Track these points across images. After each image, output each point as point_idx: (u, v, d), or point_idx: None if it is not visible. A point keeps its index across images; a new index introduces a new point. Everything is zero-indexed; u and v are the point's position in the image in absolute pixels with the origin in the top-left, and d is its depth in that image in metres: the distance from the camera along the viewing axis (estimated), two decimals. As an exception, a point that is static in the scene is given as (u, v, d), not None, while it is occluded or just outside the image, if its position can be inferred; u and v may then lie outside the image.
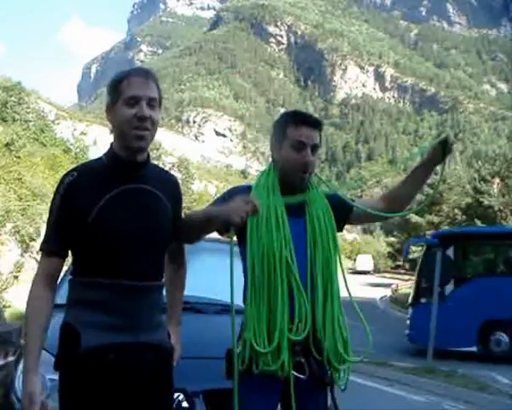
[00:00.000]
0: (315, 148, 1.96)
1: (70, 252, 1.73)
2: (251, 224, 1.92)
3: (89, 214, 1.65)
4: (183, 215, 1.92)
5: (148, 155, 1.80)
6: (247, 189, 2.04)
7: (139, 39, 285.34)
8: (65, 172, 1.77)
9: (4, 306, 12.04)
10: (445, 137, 1.97)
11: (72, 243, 1.69)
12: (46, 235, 1.72)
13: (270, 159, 2.11)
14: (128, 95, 1.68)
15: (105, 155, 1.78)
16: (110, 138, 1.79)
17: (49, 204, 1.73)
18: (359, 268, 51.58)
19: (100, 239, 1.66)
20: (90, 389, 1.61)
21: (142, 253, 1.71)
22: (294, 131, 1.95)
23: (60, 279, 1.79)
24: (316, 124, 1.98)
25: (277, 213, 1.93)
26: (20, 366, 2.46)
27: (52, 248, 1.69)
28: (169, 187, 1.83)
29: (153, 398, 1.72)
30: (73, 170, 1.73)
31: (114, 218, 1.67)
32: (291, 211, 1.96)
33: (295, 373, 1.86)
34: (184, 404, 2.22)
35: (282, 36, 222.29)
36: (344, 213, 2.08)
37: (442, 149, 1.97)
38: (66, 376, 1.66)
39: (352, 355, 1.96)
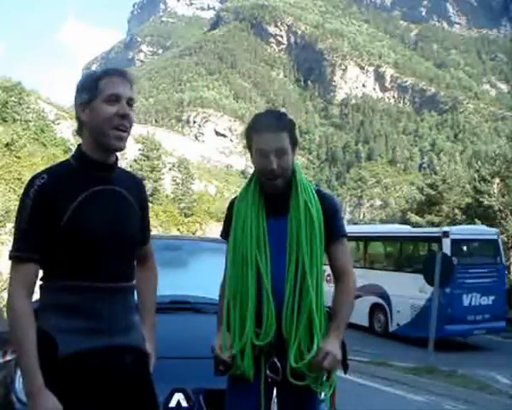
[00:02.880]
0: (280, 151, 1.89)
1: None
2: (233, 228, 1.94)
3: (62, 216, 1.62)
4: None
5: (117, 157, 1.78)
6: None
7: (139, 39, 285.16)
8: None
9: (4, 306, 12.04)
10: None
11: (45, 246, 1.63)
12: (17, 241, 1.63)
13: None
14: (109, 92, 1.65)
15: (73, 157, 1.74)
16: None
17: (18, 208, 1.66)
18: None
19: (74, 241, 1.62)
20: (69, 395, 1.58)
21: (115, 254, 1.68)
22: (256, 138, 1.92)
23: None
24: (276, 127, 1.91)
25: (253, 216, 1.92)
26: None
27: (28, 254, 1.61)
28: (136, 190, 1.82)
29: (134, 401, 1.70)
30: (43, 173, 1.69)
31: (88, 219, 1.64)
32: (273, 211, 1.95)
33: (270, 374, 1.86)
34: (184, 404, 2.22)
35: (282, 36, 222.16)
36: (327, 232, 1.98)
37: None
38: (46, 384, 1.60)
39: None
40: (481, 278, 11.92)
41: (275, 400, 1.98)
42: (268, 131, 1.89)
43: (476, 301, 11.74)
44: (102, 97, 1.65)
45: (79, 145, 1.75)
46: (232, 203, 2.07)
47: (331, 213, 1.98)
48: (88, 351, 1.62)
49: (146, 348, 1.81)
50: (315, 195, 1.98)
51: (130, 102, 1.69)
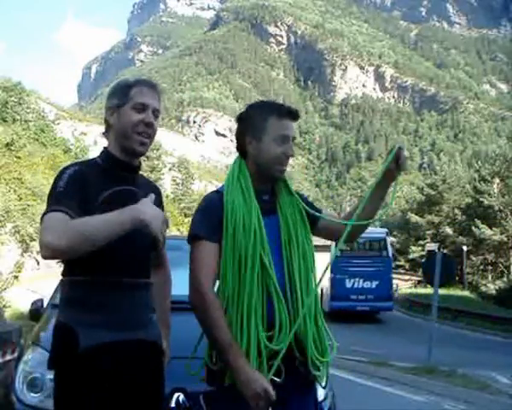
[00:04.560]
0: (293, 139, 1.92)
1: None
2: (226, 228, 1.82)
3: (88, 208, 1.65)
4: None
5: (140, 162, 1.87)
6: (220, 195, 1.89)
7: (139, 39, 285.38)
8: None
9: (4, 306, 12.03)
10: (398, 149, 1.90)
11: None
12: (51, 205, 1.62)
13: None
14: (138, 101, 1.77)
15: (99, 157, 1.83)
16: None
17: (50, 188, 1.69)
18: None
19: None
20: (90, 387, 1.62)
21: (136, 251, 1.75)
22: (278, 123, 1.86)
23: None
24: (297, 116, 1.94)
25: (253, 216, 1.83)
26: (21, 366, 2.46)
27: (62, 208, 1.60)
28: (154, 195, 1.84)
29: (149, 394, 1.76)
30: (73, 164, 1.77)
31: None
32: (264, 210, 1.87)
33: (272, 377, 1.76)
34: (184, 404, 2.22)
35: (282, 36, 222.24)
36: (309, 220, 1.99)
37: (396, 165, 1.89)
38: (65, 375, 1.66)
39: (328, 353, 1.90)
40: (365, 267, 15.46)
41: None
42: (290, 118, 1.90)
43: (359, 285, 15.26)
44: (131, 104, 1.77)
45: (105, 147, 1.84)
46: (216, 200, 1.88)
47: (305, 201, 2.02)
48: (108, 344, 1.66)
49: (163, 344, 1.88)
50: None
51: (155, 112, 1.81)
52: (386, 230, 17.58)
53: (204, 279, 1.76)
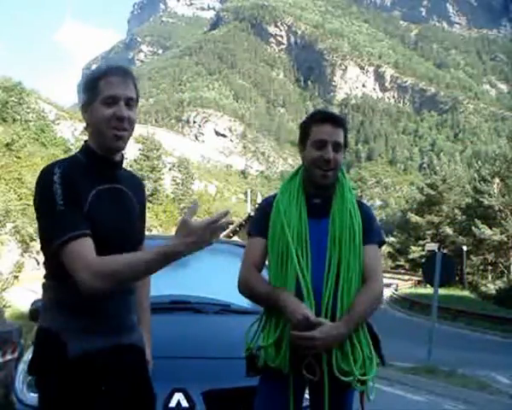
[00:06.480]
0: (337, 146, 1.95)
1: (46, 253, 1.61)
2: (272, 223, 1.97)
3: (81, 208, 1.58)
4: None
5: (122, 155, 1.76)
6: (274, 196, 2.07)
7: (139, 39, 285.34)
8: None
9: (4, 306, 12.03)
10: None
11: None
12: (60, 226, 1.52)
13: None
14: (106, 94, 1.62)
15: (80, 152, 1.71)
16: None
17: (42, 199, 1.58)
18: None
19: None
20: (78, 394, 1.56)
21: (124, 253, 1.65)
22: (316, 128, 1.96)
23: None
24: (338, 121, 1.97)
25: (293, 217, 1.95)
26: (21, 366, 2.47)
27: (79, 231, 1.52)
28: (137, 190, 1.81)
29: (140, 400, 1.72)
30: (57, 162, 1.64)
31: (100, 217, 1.60)
32: (314, 212, 1.97)
33: (306, 374, 1.85)
34: (184, 404, 2.22)
35: (282, 36, 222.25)
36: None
37: None
38: (52, 383, 1.59)
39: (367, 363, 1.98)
40: None
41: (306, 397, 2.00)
42: (330, 123, 1.95)
43: None
44: (100, 99, 1.62)
45: (86, 141, 1.73)
46: (269, 202, 2.07)
47: (368, 220, 2.01)
48: (96, 350, 1.60)
49: (145, 347, 1.82)
50: (355, 203, 2.02)
51: (129, 101, 1.65)
52: None
53: (244, 266, 2.02)
